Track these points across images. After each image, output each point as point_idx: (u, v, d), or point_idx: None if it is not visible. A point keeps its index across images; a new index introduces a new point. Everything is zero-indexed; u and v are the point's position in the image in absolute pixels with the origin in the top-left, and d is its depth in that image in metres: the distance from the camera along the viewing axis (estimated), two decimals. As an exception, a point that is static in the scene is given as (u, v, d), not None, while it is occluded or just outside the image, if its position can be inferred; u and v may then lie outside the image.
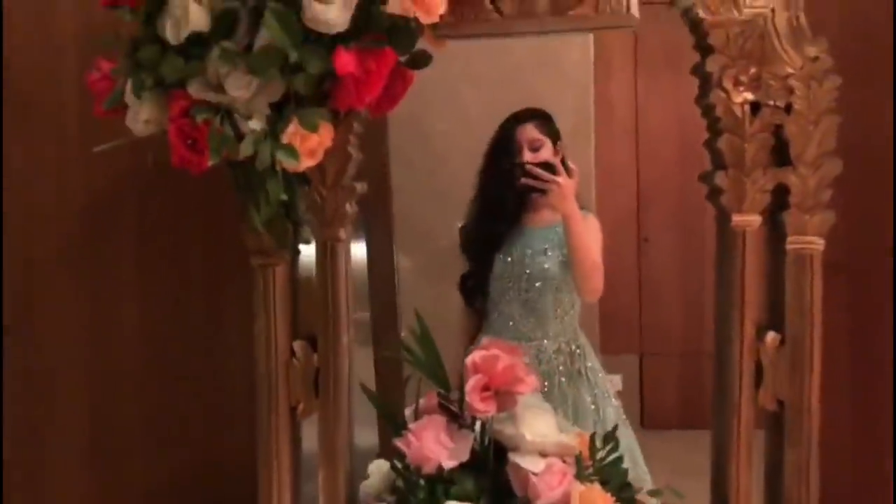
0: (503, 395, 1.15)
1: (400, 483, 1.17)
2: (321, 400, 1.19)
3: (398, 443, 1.15)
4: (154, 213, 1.49)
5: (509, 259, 1.68)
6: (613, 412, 1.66)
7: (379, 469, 1.24)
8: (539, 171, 1.56)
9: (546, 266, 1.65)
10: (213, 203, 1.42)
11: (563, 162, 1.58)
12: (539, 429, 1.15)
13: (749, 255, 1.14)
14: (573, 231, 1.59)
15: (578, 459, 1.15)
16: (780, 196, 1.15)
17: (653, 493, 1.21)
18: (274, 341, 1.18)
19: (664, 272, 2.18)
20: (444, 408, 1.19)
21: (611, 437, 1.18)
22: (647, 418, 1.88)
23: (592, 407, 1.65)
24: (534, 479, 1.10)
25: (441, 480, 1.13)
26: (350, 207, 1.18)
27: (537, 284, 1.65)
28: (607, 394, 1.69)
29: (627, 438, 1.63)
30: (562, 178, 1.55)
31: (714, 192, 1.17)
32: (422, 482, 1.14)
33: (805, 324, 1.14)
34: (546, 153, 1.65)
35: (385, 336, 1.78)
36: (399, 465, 1.17)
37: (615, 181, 2.24)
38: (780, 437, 1.16)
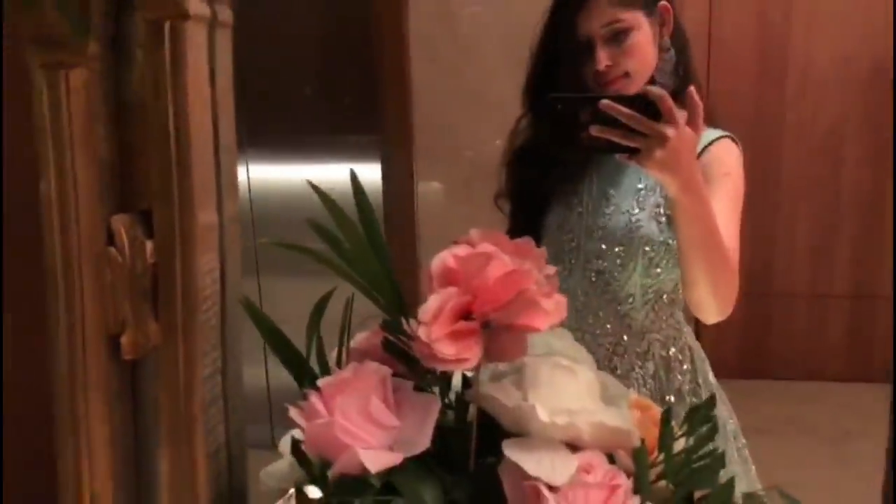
0: (499, 332, 0.60)
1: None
2: (162, 323, 0.64)
3: (293, 413, 0.61)
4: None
5: (576, 204, 1.12)
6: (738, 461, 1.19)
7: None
8: (626, 112, 0.87)
9: (637, 218, 1.07)
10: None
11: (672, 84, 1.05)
12: (566, 397, 0.60)
13: None
14: (690, 214, 0.94)
15: (640, 455, 0.60)
16: None
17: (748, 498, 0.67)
18: (73, 208, 0.62)
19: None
20: (391, 349, 0.64)
21: (704, 416, 0.63)
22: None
23: None
24: (550, 497, 0.56)
25: (371, 487, 0.59)
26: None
27: (618, 249, 1.07)
28: (729, 431, 1.19)
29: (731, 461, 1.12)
30: (671, 128, 0.88)
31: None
32: (338, 486, 0.60)
33: None
34: (642, 38, 1.07)
35: (402, 276, 1.31)
36: (299, 456, 0.63)
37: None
38: None
